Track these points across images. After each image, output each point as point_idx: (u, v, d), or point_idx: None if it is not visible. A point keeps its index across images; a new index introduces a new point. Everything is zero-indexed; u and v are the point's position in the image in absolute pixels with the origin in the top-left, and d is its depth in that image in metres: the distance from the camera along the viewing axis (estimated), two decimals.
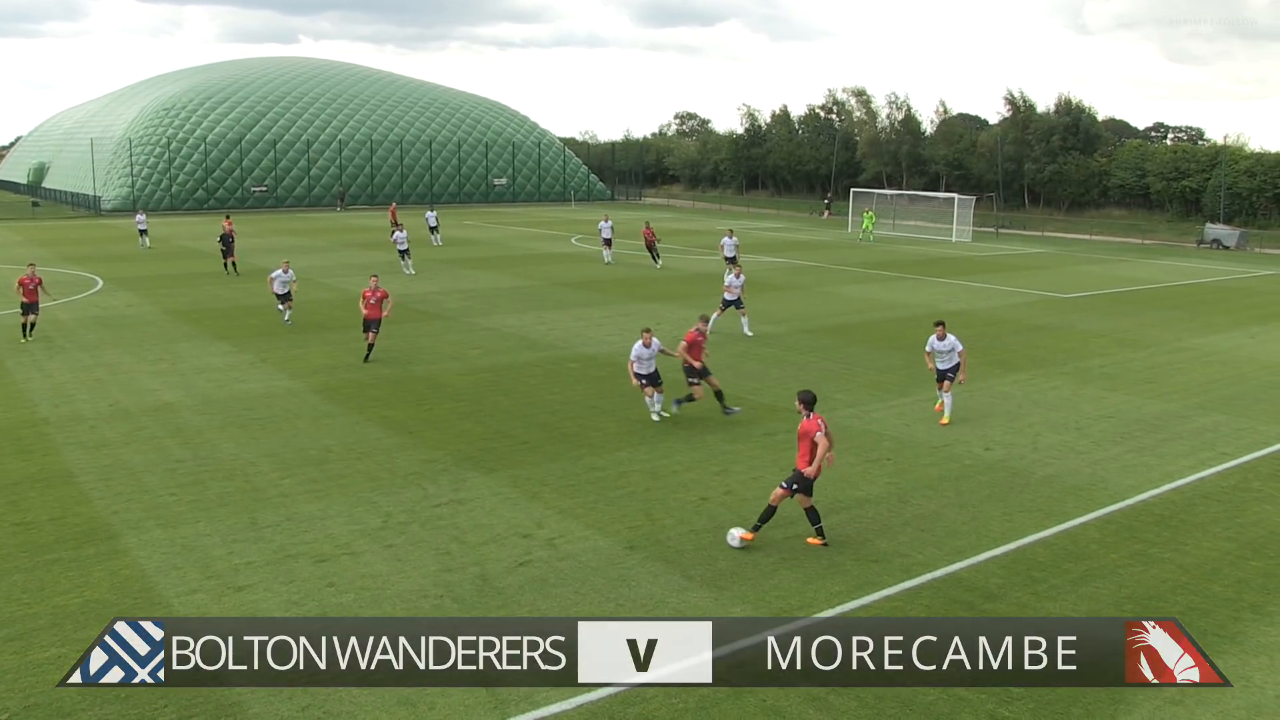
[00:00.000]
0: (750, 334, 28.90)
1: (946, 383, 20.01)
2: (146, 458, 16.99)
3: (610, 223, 47.53)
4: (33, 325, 26.90)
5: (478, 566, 12.74)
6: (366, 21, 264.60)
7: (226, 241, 41.71)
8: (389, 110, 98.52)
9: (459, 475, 16.31)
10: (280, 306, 29.80)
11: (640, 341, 19.16)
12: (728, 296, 29.08)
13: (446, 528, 14.05)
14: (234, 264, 41.23)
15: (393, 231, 56.18)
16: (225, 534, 13.64)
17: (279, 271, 29.78)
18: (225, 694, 9.70)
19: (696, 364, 19.56)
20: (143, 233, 53.14)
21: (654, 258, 44.87)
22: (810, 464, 13.07)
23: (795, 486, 13.16)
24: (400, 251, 41.97)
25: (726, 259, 38.35)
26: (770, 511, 13.32)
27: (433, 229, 55.06)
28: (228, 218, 49.26)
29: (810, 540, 13.51)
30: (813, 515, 13.44)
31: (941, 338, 19.81)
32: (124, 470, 16.32)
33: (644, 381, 19.34)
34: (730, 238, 39.82)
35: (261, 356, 25.22)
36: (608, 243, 46.47)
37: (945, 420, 19.89)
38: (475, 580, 12.34)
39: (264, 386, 22.12)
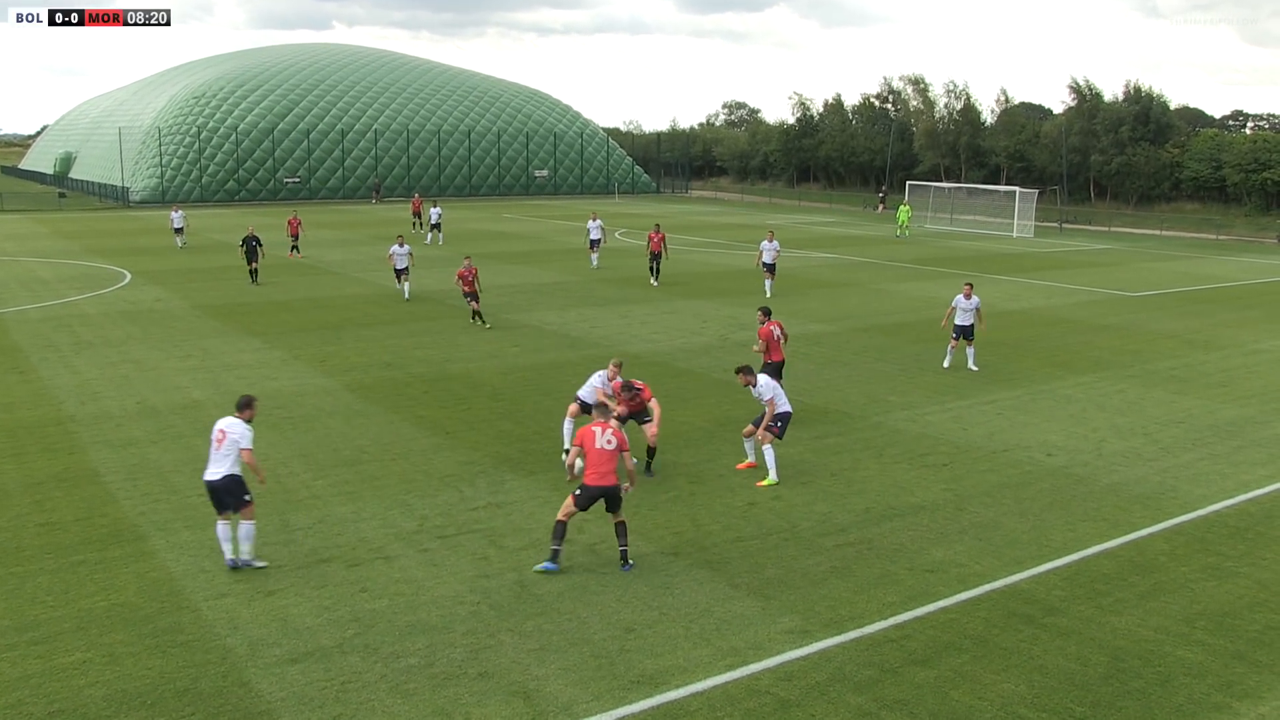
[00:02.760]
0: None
1: (964, 340, 24.01)
2: (175, 457, 17.25)
3: (600, 222, 44.47)
4: None
5: (516, 573, 12.81)
6: (401, 6, 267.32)
7: (250, 246, 37.63)
8: (426, 99, 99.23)
9: (497, 478, 16.41)
10: (399, 285, 34.31)
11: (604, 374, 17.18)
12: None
13: (484, 532, 14.13)
14: (256, 271, 37.65)
15: (414, 225, 57.43)
16: (256, 536, 13.79)
17: (395, 247, 34.34)
18: (254, 701, 9.83)
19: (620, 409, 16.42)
20: (178, 231, 50.32)
21: (654, 272, 38.50)
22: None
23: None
24: (433, 226, 52.76)
25: (765, 265, 36.20)
26: None
27: (434, 226, 53.41)
28: (294, 215, 49.00)
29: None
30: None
31: (969, 296, 23.70)
32: (152, 470, 16.58)
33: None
34: (770, 241, 36.49)
35: (294, 353, 25.52)
36: (595, 244, 43.47)
37: (973, 367, 24.07)
38: (513, 587, 12.40)
39: (296, 384, 22.38)
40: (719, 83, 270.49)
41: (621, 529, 13.04)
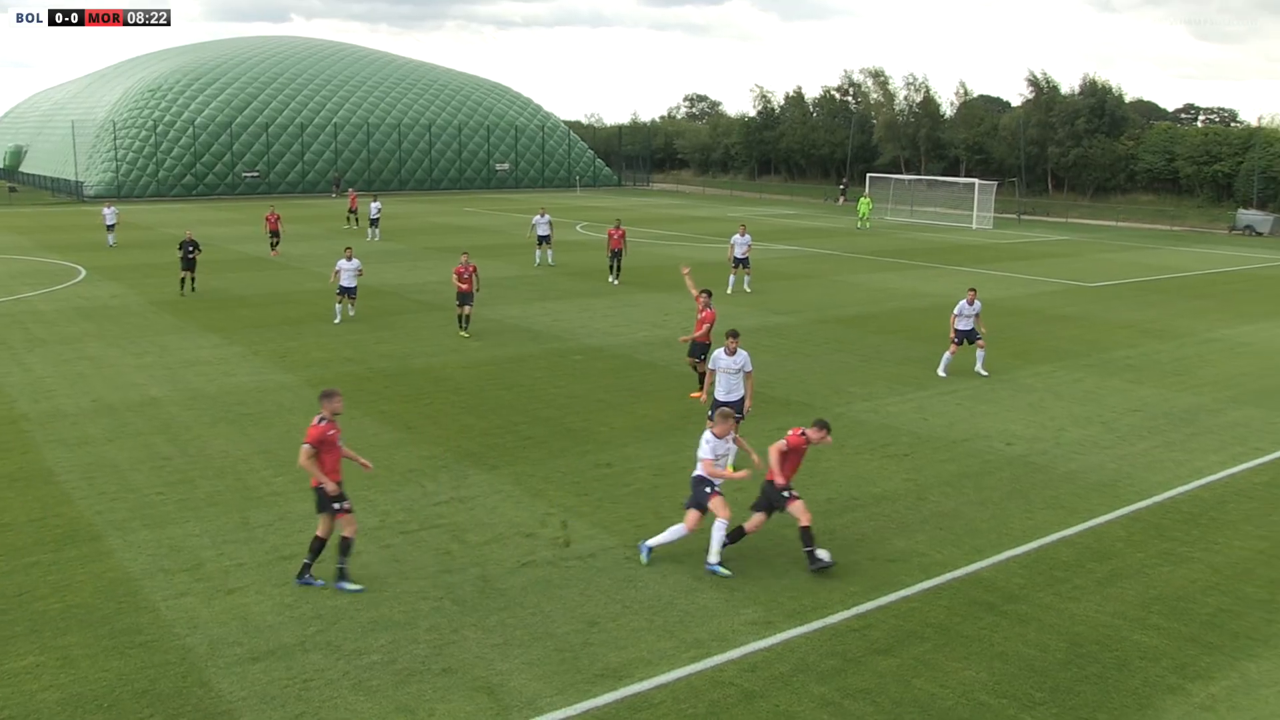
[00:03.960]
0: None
1: (968, 344, 23.29)
2: (132, 455, 17.02)
3: (548, 217, 42.79)
4: None
5: (479, 567, 12.76)
6: None
7: (188, 252, 33.48)
8: (386, 92, 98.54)
9: (459, 472, 16.33)
10: (340, 303, 29.19)
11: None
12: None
13: (446, 527, 14.07)
14: (192, 280, 33.74)
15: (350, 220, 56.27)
16: (215, 534, 13.66)
17: (343, 262, 29.11)
18: (215, 701, 9.73)
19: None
20: (110, 228, 47.42)
21: (614, 271, 37.54)
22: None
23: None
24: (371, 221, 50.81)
25: (736, 259, 35.19)
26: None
27: (373, 222, 51.87)
28: (273, 210, 47.18)
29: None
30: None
31: (971, 302, 23.17)
32: (108, 468, 16.35)
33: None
34: (743, 235, 35.34)
35: (253, 349, 25.26)
36: (544, 240, 42.16)
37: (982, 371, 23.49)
38: (477, 582, 12.35)
39: (256, 380, 22.16)
40: (680, 75, 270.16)
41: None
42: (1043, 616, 11.67)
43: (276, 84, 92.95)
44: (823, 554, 12.65)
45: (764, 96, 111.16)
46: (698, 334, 20.68)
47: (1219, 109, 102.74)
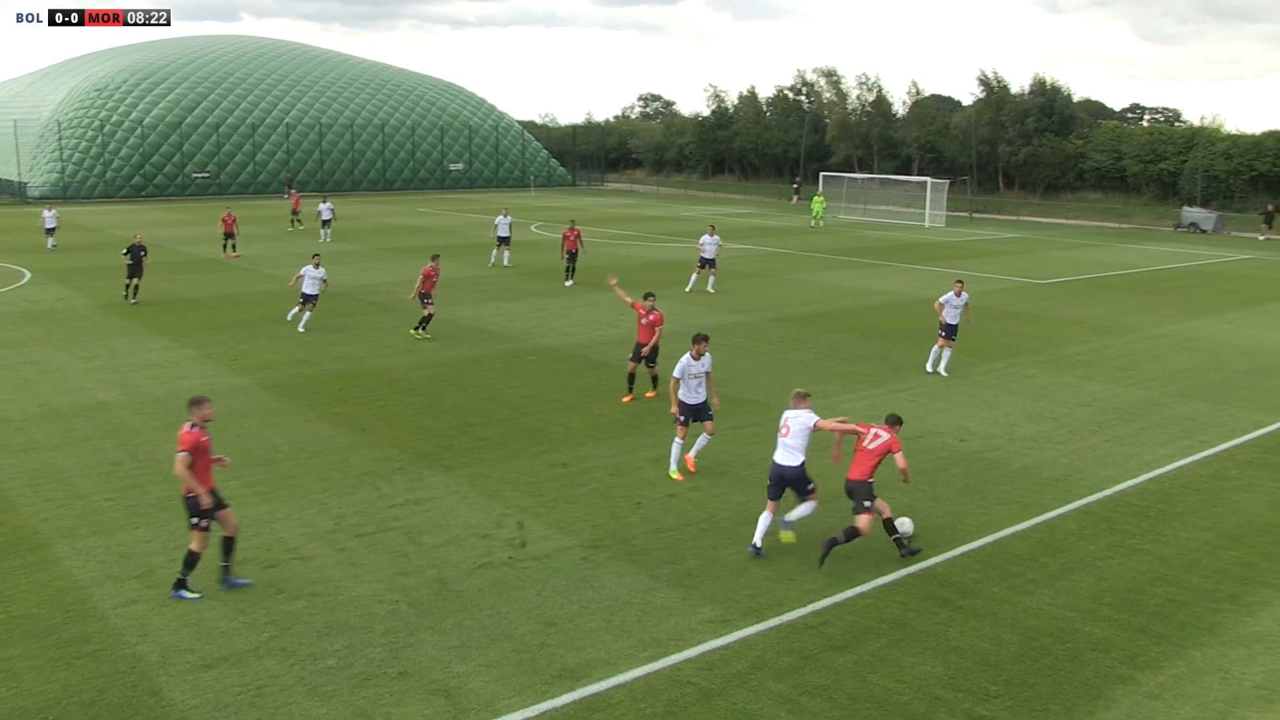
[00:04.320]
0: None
1: (950, 340, 23.52)
2: (80, 461, 16.74)
3: (509, 219, 42.45)
4: None
5: (435, 570, 12.68)
6: None
7: (136, 257, 32.11)
8: (339, 92, 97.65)
9: (415, 474, 16.23)
10: (298, 309, 28.23)
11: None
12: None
13: (402, 529, 13.97)
14: (137, 286, 32.18)
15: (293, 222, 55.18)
16: (167, 540, 13.46)
17: (309, 268, 28.15)
18: (166, 710, 9.59)
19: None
20: (50, 231, 46.24)
21: (569, 272, 37.21)
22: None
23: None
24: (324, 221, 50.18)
25: (705, 260, 35.13)
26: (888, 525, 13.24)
27: (325, 222, 50.88)
28: (229, 212, 46.63)
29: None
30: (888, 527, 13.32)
31: (959, 294, 23.61)
32: (55, 475, 16.06)
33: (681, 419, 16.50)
34: (711, 235, 35.38)
35: (205, 352, 24.95)
36: (503, 241, 41.79)
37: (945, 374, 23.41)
38: (433, 584, 12.28)
39: (208, 383, 21.88)
40: (634, 75, 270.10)
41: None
42: (997, 610, 11.79)
43: (227, 83, 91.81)
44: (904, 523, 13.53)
45: (718, 96, 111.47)
46: (654, 339, 20.45)
47: (1164, 109, 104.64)
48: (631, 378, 20.89)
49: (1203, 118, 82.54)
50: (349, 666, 10.36)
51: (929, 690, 10.07)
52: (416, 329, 26.98)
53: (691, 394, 16.33)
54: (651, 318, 20.43)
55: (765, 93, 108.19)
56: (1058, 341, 27.46)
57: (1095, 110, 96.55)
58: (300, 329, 27.77)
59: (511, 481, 15.91)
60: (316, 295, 28.12)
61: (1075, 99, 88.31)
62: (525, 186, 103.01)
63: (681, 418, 16.28)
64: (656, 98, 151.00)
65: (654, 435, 18.34)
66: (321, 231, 51.37)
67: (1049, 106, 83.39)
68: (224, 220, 44.87)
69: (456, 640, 10.91)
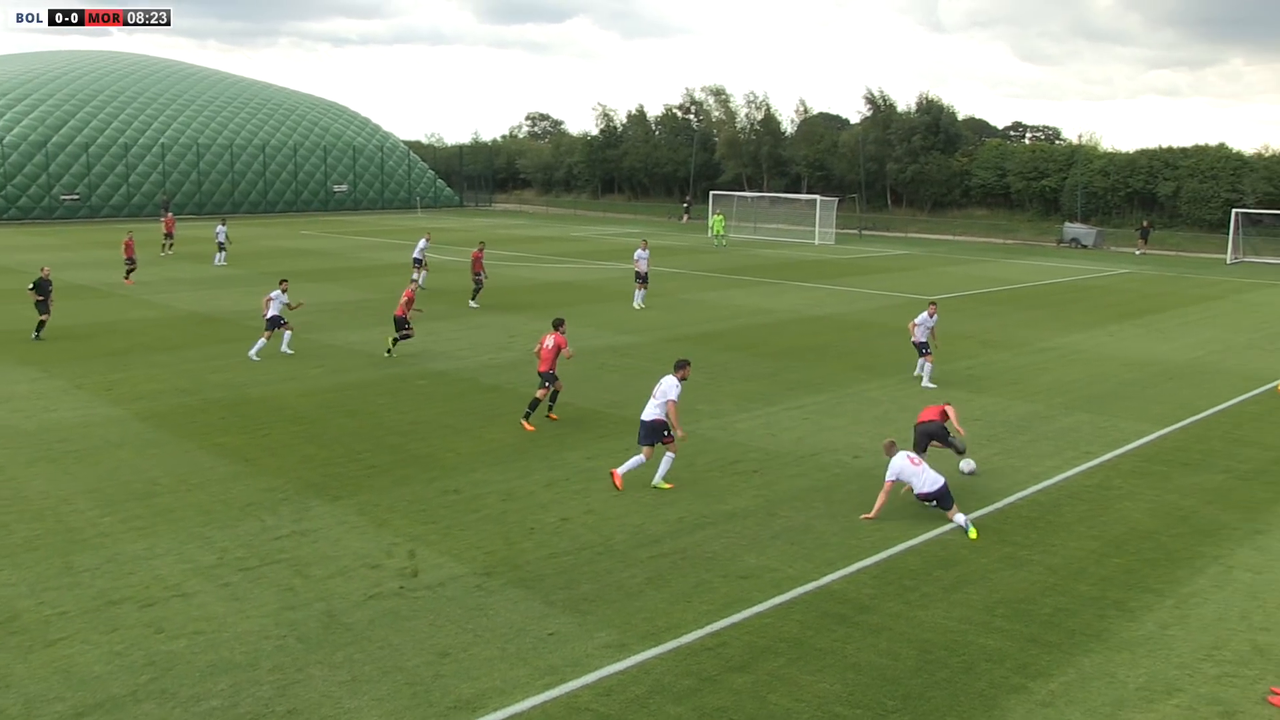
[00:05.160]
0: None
1: (928, 356, 24.86)
2: None
3: (427, 240, 42.39)
4: None
5: (324, 602, 12.43)
6: (186, 14, 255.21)
7: (45, 292, 30.06)
8: (217, 111, 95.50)
9: (301, 504, 15.89)
10: (265, 338, 27.25)
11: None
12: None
13: (288, 562, 13.66)
14: (42, 324, 30.19)
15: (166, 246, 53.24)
16: (34, 582, 12.93)
17: (277, 293, 27.61)
18: None
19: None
20: None
21: (474, 291, 37.37)
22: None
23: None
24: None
25: (639, 275, 36.88)
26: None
27: (221, 246, 49.98)
28: (130, 236, 44.72)
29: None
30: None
31: (932, 315, 24.84)
32: None
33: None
34: (644, 250, 37.51)
35: (76, 383, 24.10)
36: (418, 264, 41.19)
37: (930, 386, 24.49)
38: (321, 617, 12.02)
39: (80, 415, 21.14)
40: (521, 94, 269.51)
41: None
42: (893, 625, 12.01)
43: (96, 101, 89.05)
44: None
45: (606, 115, 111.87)
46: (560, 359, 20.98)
47: (1044, 127, 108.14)
48: (535, 404, 20.70)
49: (1080, 135, 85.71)
50: (234, 707, 10.08)
51: (828, 708, 10.20)
52: (388, 350, 27.57)
53: (649, 411, 16.96)
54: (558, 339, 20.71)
55: (654, 111, 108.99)
56: (947, 356, 28.15)
57: (979, 128, 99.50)
58: (285, 349, 27.52)
59: (401, 509, 15.69)
60: (281, 317, 27.48)
61: (960, 117, 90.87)
62: (412, 208, 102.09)
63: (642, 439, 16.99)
64: (545, 117, 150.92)
65: (546, 459, 18.28)
66: (217, 255, 50.10)
67: (934, 124, 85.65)
68: (126, 245, 42.95)
69: (347, 674, 10.70)
